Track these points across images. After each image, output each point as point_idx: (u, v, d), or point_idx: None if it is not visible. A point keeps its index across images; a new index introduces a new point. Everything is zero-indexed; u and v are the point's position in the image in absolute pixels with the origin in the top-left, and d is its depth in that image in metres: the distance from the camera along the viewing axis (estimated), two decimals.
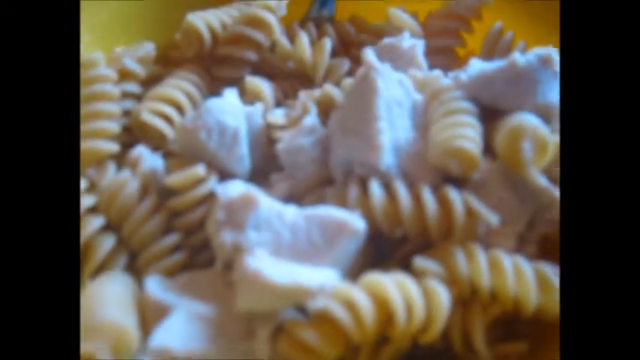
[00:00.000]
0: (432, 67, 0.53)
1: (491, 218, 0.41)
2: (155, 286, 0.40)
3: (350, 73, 0.54)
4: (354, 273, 0.40)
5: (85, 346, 0.35)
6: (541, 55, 0.46)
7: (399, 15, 0.56)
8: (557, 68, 0.46)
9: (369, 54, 0.46)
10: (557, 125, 0.46)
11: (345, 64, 0.54)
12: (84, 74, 0.49)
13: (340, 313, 0.36)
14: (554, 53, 0.46)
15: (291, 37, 0.56)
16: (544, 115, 0.45)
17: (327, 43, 0.54)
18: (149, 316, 0.39)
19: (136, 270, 0.44)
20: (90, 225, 0.43)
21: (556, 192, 0.43)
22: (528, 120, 0.42)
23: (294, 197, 0.45)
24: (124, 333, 0.36)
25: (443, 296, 0.38)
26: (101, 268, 0.43)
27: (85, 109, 0.47)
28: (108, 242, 0.44)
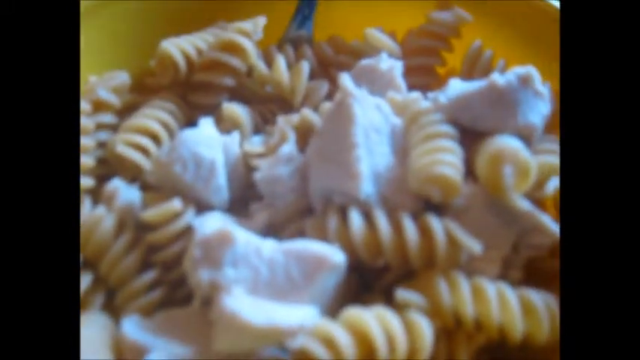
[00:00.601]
0: (411, 86, 0.52)
1: (474, 246, 0.40)
2: (132, 328, 0.39)
3: (329, 95, 0.53)
4: (335, 305, 0.39)
5: None
6: (521, 75, 0.46)
7: (377, 35, 0.55)
8: (538, 87, 0.46)
9: (345, 79, 0.45)
10: (538, 146, 0.46)
11: (323, 87, 0.54)
12: None
13: (320, 351, 0.35)
14: (534, 72, 0.46)
15: (269, 61, 0.55)
16: (525, 137, 0.44)
17: (305, 66, 0.53)
18: (126, 357, 0.38)
19: (114, 308, 0.43)
20: None
21: (540, 216, 0.43)
22: (509, 144, 0.42)
23: (274, 227, 0.45)
24: None
25: (426, 329, 0.37)
26: None
27: None
28: (85, 281, 0.42)
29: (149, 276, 0.43)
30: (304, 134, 0.48)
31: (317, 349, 0.35)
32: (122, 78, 0.52)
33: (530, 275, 0.44)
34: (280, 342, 0.36)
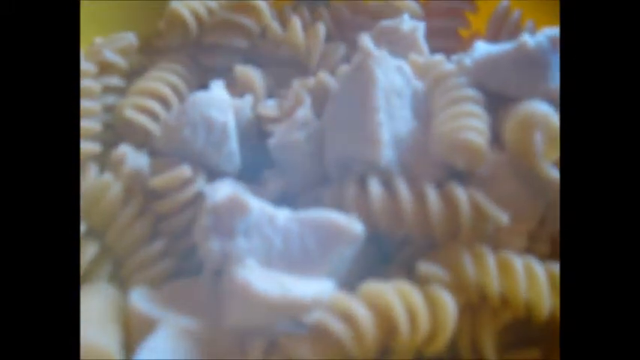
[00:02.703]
0: (433, 50, 0.50)
1: (501, 217, 0.39)
2: (140, 300, 0.38)
3: (346, 58, 0.52)
4: (353, 279, 0.38)
5: None
6: (551, 37, 0.44)
7: None
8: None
9: (365, 40, 0.43)
10: None
11: (340, 49, 0.53)
12: None
13: (337, 326, 0.35)
14: None
15: (283, 22, 0.54)
16: (556, 102, 0.42)
17: (321, 28, 0.52)
18: (134, 331, 0.38)
19: (120, 279, 0.42)
20: None
21: None
22: (539, 108, 0.41)
23: (288, 196, 0.44)
24: (104, 354, 0.35)
25: (449, 305, 0.36)
26: (84, 278, 0.41)
27: None
28: (91, 250, 0.42)
29: (158, 245, 0.43)
30: (320, 98, 0.47)
31: (335, 324, 0.35)
32: (129, 39, 0.51)
33: (557, 250, 0.42)
34: (295, 316, 0.35)
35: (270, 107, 0.48)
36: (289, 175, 0.44)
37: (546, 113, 0.40)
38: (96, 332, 0.35)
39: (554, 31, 0.44)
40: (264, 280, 0.34)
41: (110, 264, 0.43)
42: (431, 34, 0.52)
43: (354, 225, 0.38)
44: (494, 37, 0.53)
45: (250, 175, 0.46)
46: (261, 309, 0.34)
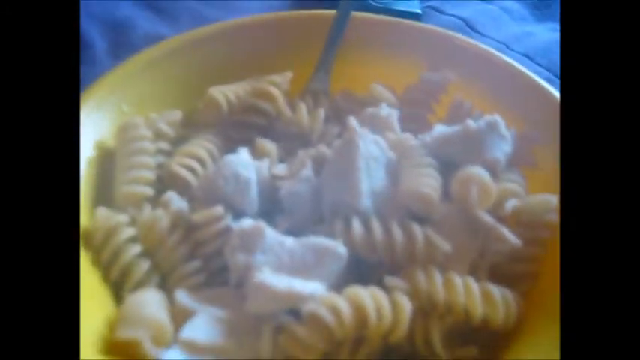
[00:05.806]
0: (406, 130, 0.63)
1: (445, 246, 0.51)
2: (182, 296, 0.50)
3: (339, 135, 0.65)
4: (340, 288, 0.50)
5: (130, 333, 0.45)
6: (489, 121, 0.58)
7: (379, 89, 0.68)
8: (502, 131, 0.58)
9: (352, 121, 0.57)
10: (503, 176, 0.58)
11: (335, 129, 0.66)
12: (127, 134, 0.61)
13: (326, 315, 0.45)
14: (499, 120, 0.58)
15: (293, 107, 0.67)
16: (490, 169, 0.55)
17: (321, 113, 0.66)
18: (177, 318, 0.49)
19: (166, 288, 0.54)
20: (130, 251, 0.54)
21: (500, 228, 0.54)
22: (475, 172, 0.53)
23: (293, 232, 0.55)
24: (161, 326, 0.46)
25: (406, 305, 0.47)
26: (139, 286, 0.53)
27: (127, 161, 0.59)
28: (144, 265, 0.54)
29: (194, 264, 0.54)
30: (319, 163, 0.59)
31: (324, 313, 0.45)
32: (176, 115, 0.65)
33: (494, 276, 0.54)
34: (296, 306, 0.46)
35: (281, 169, 0.60)
36: (295, 217, 0.55)
37: (480, 175, 0.53)
38: (154, 310, 0.47)
39: (491, 117, 0.58)
40: (274, 280, 0.47)
41: (158, 276, 0.54)
42: (405, 119, 0.65)
43: (339, 247, 0.50)
44: (451, 121, 0.64)
45: (266, 218, 0.56)
46: (273, 300, 0.46)
